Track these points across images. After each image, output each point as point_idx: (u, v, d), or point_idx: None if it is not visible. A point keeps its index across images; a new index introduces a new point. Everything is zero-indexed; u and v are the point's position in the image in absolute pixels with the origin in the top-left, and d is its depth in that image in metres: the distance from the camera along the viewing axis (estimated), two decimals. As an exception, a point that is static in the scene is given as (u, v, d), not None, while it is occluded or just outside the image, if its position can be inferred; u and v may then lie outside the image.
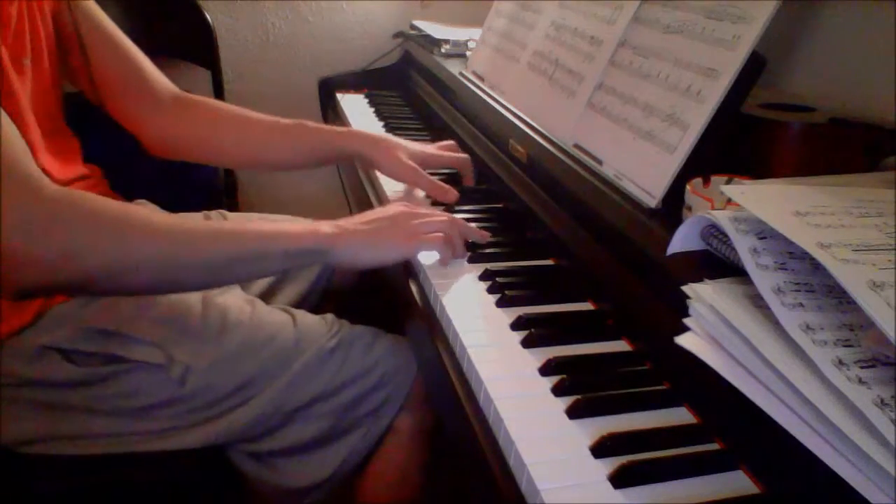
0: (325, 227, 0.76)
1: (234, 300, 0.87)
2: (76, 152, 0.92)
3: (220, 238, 0.72)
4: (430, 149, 1.04)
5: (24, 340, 0.77)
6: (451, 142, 1.09)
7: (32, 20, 0.79)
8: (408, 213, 0.81)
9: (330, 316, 0.90)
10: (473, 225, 0.86)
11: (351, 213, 0.87)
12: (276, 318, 0.87)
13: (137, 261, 0.67)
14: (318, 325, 0.87)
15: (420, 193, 1.00)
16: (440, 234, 0.79)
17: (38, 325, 0.78)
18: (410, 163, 0.97)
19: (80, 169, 0.91)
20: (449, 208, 0.94)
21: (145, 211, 0.69)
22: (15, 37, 0.76)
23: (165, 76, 1.03)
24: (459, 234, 0.82)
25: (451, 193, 0.95)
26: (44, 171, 0.67)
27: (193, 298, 0.86)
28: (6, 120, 0.65)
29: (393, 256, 0.80)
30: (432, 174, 0.99)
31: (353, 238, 0.77)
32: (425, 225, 0.80)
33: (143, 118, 0.99)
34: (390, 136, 1.04)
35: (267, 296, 1.01)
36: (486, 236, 0.85)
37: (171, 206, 0.92)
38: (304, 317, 0.89)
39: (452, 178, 1.03)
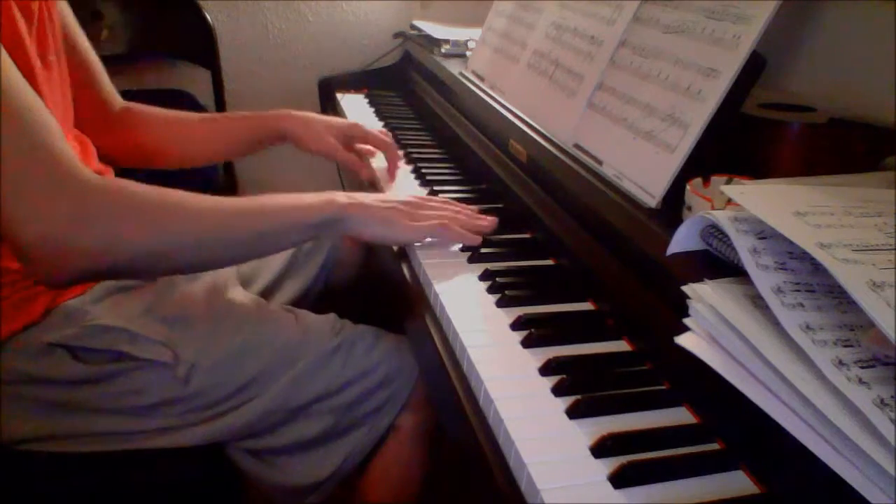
0: (341, 197, 0.80)
1: (239, 299, 0.88)
2: (90, 150, 0.92)
3: (249, 215, 0.75)
4: (349, 122, 1.11)
5: (32, 337, 0.77)
6: (382, 130, 1.18)
7: (50, 18, 0.80)
8: (418, 202, 0.85)
9: (332, 316, 0.90)
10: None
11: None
12: (280, 317, 0.88)
13: (177, 244, 0.70)
14: (321, 325, 0.88)
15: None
16: (435, 222, 0.82)
17: (46, 323, 0.78)
18: (330, 139, 1.04)
19: (95, 167, 0.91)
20: None
21: (179, 194, 0.71)
22: (39, 33, 0.76)
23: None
24: (467, 224, 0.84)
25: (366, 170, 1.03)
26: None
27: (199, 297, 0.86)
28: (46, 111, 0.66)
29: (396, 237, 0.84)
30: None
31: (366, 211, 0.80)
32: (432, 216, 0.83)
33: (96, 130, 0.98)
34: (316, 115, 1.10)
35: (267, 293, 1.02)
36: (492, 223, 0.87)
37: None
38: (307, 316, 0.89)
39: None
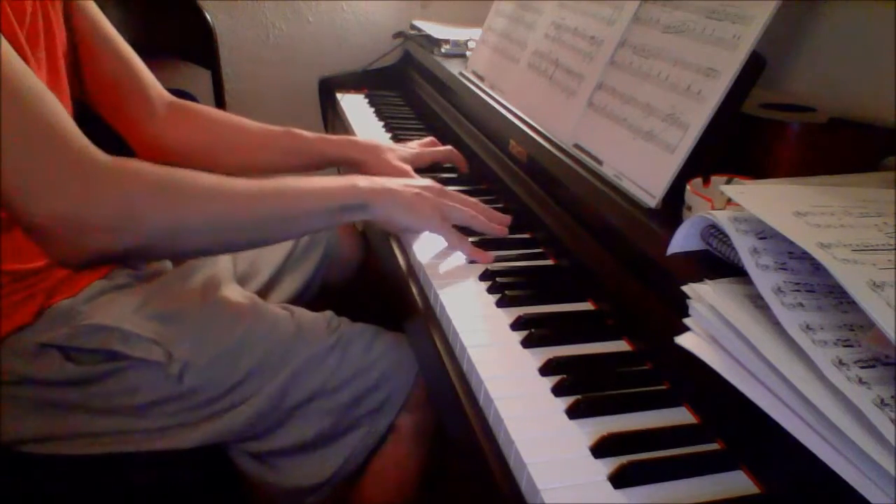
0: (363, 182, 0.79)
1: (233, 296, 0.87)
2: None
3: (268, 197, 0.74)
4: (415, 149, 1.07)
5: (25, 339, 0.77)
6: (430, 138, 1.14)
7: (47, 19, 0.80)
8: (441, 189, 0.84)
9: (329, 313, 0.90)
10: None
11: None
12: (276, 314, 0.87)
13: (193, 222, 0.69)
14: (317, 323, 0.87)
15: None
16: (463, 236, 0.82)
17: (39, 324, 0.78)
18: (400, 164, 1.00)
19: None
20: None
21: (194, 174, 0.70)
22: (29, 34, 0.76)
23: (164, 78, 1.04)
24: (485, 220, 0.85)
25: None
26: None
27: (193, 295, 0.86)
28: (52, 95, 0.65)
29: (423, 226, 0.83)
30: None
31: (391, 197, 0.79)
32: (456, 211, 0.83)
33: (137, 124, 0.98)
34: (379, 141, 1.07)
35: (265, 290, 1.02)
36: (505, 221, 0.87)
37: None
38: (303, 314, 0.89)
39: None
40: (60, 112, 0.65)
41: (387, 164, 1.00)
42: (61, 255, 0.66)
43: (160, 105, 1.00)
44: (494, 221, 0.86)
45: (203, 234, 0.71)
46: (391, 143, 1.08)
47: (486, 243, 0.84)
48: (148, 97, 0.99)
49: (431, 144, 1.12)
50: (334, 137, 1.05)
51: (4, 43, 0.63)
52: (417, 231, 0.85)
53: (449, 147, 1.11)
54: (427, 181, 0.87)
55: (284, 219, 0.75)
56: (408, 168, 1.00)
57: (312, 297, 1.09)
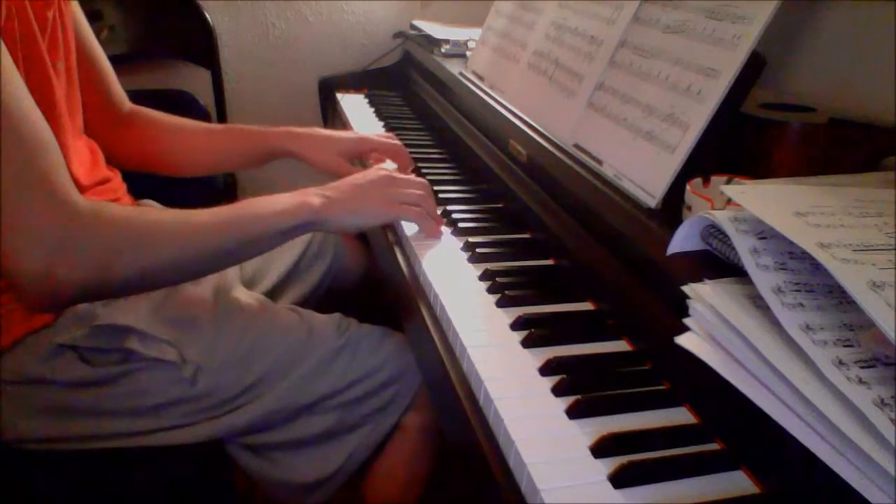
0: (314, 198, 0.81)
1: (244, 299, 0.88)
2: (99, 155, 0.93)
3: (228, 227, 0.76)
4: (355, 138, 1.10)
5: (43, 339, 0.78)
6: (388, 134, 1.18)
7: (63, 24, 0.80)
8: (388, 178, 0.87)
9: (338, 315, 0.91)
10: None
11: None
12: (286, 317, 0.88)
13: (165, 264, 0.71)
14: (327, 325, 0.88)
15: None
16: (419, 209, 0.86)
17: (57, 325, 0.79)
18: (335, 157, 1.04)
19: (104, 172, 0.92)
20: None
21: (159, 214, 0.72)
22: (51, 41, 0.76)
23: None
24: (431, 211, 0.88)
25: None
26: (73, 177, 0.70)
27: (206, 298, 0.86)
28: (49, 132, 0.66)
29: (375, 221, 0.88)
30: None
31: (340, 206, 0.82)
32: (404, 195, 0.86)
33: (101, 130, 0.98)
34: (319, 130, 1.09)
35: (273, 295, 1.02)
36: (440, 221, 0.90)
37: (174, 205, 0.91)
38: (313, 316, 0.89)
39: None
40: (53, 154, 0.65)
41: (319, 153, 1.03)
42: (36, 304, 0.69)
43: (119, 114, 1.02)
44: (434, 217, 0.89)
45: (176, 270, 0.74)
46: (331, 133, 1.09)
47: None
48: (113, 104, 1.01)
49: (389, 139, 1.12)
50: (275, 130, 1.06)
51: (14, 77, 0.62)
52: (371, 228, 0.89)
53: (396, 143, 1.10)
54: (379, 173, 0.88)
55: (245, 244, 0.77)
56: (338, 160, 1.03)
57: (318, 301, 1.10)
